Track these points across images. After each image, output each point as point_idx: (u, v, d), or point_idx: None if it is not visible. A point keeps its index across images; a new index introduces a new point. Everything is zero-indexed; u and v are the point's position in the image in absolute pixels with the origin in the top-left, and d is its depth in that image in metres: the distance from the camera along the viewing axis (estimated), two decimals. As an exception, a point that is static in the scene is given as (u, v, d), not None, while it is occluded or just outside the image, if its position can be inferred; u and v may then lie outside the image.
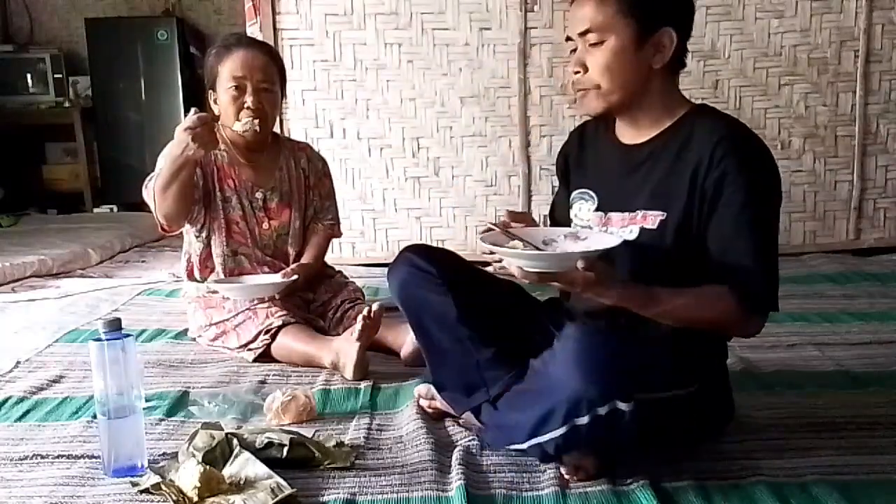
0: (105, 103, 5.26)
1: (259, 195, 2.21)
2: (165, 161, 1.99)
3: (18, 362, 2.08)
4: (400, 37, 3.27)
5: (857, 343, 2.13)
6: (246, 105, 2.10)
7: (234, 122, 2.10)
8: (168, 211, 2.05)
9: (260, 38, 3.20)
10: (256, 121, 2.08)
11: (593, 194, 1.48)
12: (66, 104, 5.29)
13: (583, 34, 1.36)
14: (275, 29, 3.24)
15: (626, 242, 1.35)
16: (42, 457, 1.50)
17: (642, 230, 1.37)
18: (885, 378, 1.85)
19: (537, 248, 1.31)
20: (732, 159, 1.30)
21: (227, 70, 2.10)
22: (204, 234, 2.20)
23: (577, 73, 1.38)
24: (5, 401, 1.79)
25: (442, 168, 3.37)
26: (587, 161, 1.54)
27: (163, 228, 2.15)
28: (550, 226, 1.63)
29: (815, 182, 3.38)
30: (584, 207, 1.49)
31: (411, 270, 1.52)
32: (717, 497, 1.32)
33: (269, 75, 2.13)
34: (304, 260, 2.26)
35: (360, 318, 1.89)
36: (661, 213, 1.36)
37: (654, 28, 1.34)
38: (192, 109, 1.95)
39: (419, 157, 3.36)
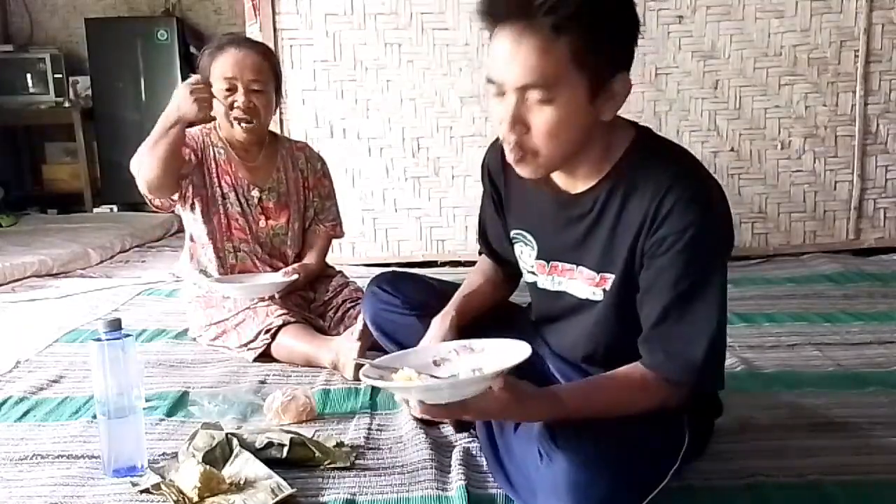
0: (105, 103, 5.26)
1: (255, 193, 2.21)
2: (159, 121, 2.02)
3: (18, 362, 2.08)
4: (400, 37, 3.27)
5: (857, 343, 2.12)
6: (236, 105, 2.10)
7: (225, 119, 2.12)
8: (152, 175, 2.00)
9: (260, 38, 3.21)
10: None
11: (531, 239, 1.36)
12: (66, 104, 5.29)
13: (523, 89, 1.10)
14: (275, 29, 3.24)
15: (590, 302, 1.27)
16: (42, 457, 1.50)
17: (604, 291, 1.26)
18: (885, 378, 1.85)
19: (431, 375, 1.12)
20: (676, 215, 1.14)
21: (219, 70, 2.10)
22: (207, 229, 2.18)
23: (514, 133, 1.13)
24: (5, 401, 1.79)
25: (442, 168, 3.37)
26: (514, 196, 1.38)
27: (150, 202, 2.13)
28: (485, 251, 1.55)
29: (815, 182, 3.37)
30: (525, 251, 1.38)
31: (378, 304, 1.57)
32: (718, 497, 1.32)
33: (260, 75, 2.12)
34: (305, 260, 2.26)
35: (359, 318, 1.89)
36: (612, 275, 1.25)
37: (609, 77, 1.12)
38: (194, 76, 2.01)
39: (419, 157, 3.36)
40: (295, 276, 2.13)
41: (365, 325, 1.87)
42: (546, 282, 1.36)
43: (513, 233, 1.41)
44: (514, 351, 1.11)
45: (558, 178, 1.27)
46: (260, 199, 2.22)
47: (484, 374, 1.06)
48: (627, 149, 1.22)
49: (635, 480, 1.14)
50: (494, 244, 1.52)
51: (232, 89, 2.10)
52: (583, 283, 1.29)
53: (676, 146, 1.27)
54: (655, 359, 1.19)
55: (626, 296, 1.24)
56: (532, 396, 1.14)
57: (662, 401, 1.20)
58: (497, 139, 1.36)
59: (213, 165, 2.19)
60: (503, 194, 1.42)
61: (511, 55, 1.09)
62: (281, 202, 2.25)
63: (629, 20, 1.13)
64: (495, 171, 1.42)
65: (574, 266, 1.30)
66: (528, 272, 1.40)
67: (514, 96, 1.11)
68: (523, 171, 1.20)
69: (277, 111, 3.24)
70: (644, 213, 1.17)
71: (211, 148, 2.19)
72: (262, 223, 2.23)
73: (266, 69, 2.14)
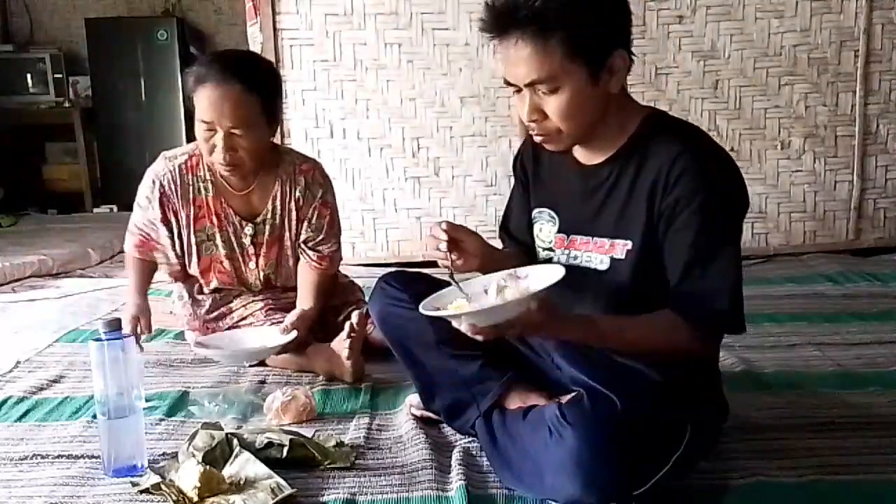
0: (105, 103, 5.28)
1: (248, 230, 2.01)
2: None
3: (18, 362, 2.08)
4: (400, 37, 3.27)
5: (857, 343, 2.12)
6: (216, 150, 1.85)
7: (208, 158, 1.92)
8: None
9: (260, 38, 3.21)
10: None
11: (554, 215, 1.45)
12: (66, 104, 5.30)
13: (531, 85, 1.26)
14: (275, 29, 3.24)
15: (597, 272, 1.36)
16: (42, 457, 1.50)
17: (612, 259, 1.34)
18: (885, 378, 1.85)
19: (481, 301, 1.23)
20: (687, 179, 1.25)
21: (199, 106, 1.84)
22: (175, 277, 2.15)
23: (535, 120, 1.30)
24: (5, 401, 1.79)
25: (442, 168, 3.37)
26: (543, 176, 1.50)
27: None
28: (504, 238, 1.61)
29: (815, 182, 3.38)
30: (545, 228, 1.47)
31: (386, 300, 1.56)
32: (718, 497, 1.32)
33: (242, 119, 1.81)
34: (302, 305, 2.02)
35: (346, 325, 1.87)
36: (626, 241, 1.33)
37: (605, 58, 1.25)
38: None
39: (419, 157, 3.36)
40: (293, 335, 1.91)
41: (350, 336, 1.86)
42: (561, 257, 1.43)
43: (535, 212, 1.50)
44: (552, 274, 1.23)
45: (579, 153, 1.39)
46: (254, 235, 2.02)
47: (519, 297, 1.17)
48: (641, 123, 1.34)
49: (641, 462, 1.20)
50: (515, 231, 1.58)
51: (212, 130, 1.84)
52: (594, 254, 1.37)
53: (688, 122, 1.40)
54: (685, 310, 1.28)
55: (645, 261, 1.31)
56: (567, 317, 1.28)
57: (690, 343, 1.28)
58: (528, 135, 1.49)
59: (191, 211, 1.99)
60: (531, 177, 1.53)
61: (513, 60, 1.26)
62: (274, 235, 2.03)
63: (613, 6, 1.26)
64: (527, 157, 1.54)
65: (589, 238, 1.39)
66: (545, 249, 1.47)
67: (527, 91, 1.27)
68: (551, 146, 1.34)
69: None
70: (656, 176, 1.28)
71: (191, 189, 1.98)
72: (251, 265, 2.05)
73: (251, 105, 1.82)
